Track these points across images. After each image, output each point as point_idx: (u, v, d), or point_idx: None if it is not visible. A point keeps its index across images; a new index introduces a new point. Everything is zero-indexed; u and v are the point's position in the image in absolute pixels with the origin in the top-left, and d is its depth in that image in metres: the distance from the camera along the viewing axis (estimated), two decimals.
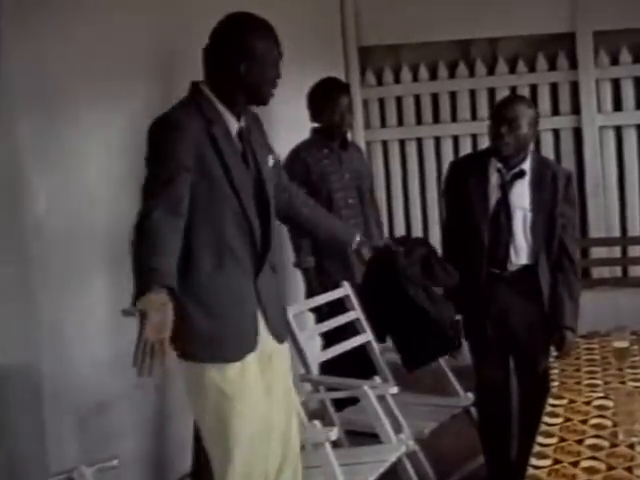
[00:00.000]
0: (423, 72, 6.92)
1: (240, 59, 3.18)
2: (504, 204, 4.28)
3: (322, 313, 4.98)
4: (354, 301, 4.89)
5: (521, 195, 4.30)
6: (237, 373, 3.20)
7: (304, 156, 5.17)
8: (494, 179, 4.30)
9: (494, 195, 4.30)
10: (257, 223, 3.26)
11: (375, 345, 4.86)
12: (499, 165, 4.28)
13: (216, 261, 3.18)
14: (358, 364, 4.90)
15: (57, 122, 4.02)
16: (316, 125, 5.32)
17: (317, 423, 3.93)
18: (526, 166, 4.30)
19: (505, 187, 4.28)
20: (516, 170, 4.29)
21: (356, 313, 4.87)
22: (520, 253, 4.30)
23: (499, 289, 4.32)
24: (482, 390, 4.53)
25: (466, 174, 4.40)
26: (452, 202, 4.54)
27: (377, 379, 4.48)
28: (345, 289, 4.93)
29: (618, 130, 6.61)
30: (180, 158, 3.07)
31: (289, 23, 5.65)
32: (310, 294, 5.22)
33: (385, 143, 7.08)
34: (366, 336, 4.87)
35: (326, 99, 5.22)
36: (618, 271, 6.73)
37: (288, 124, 5.40)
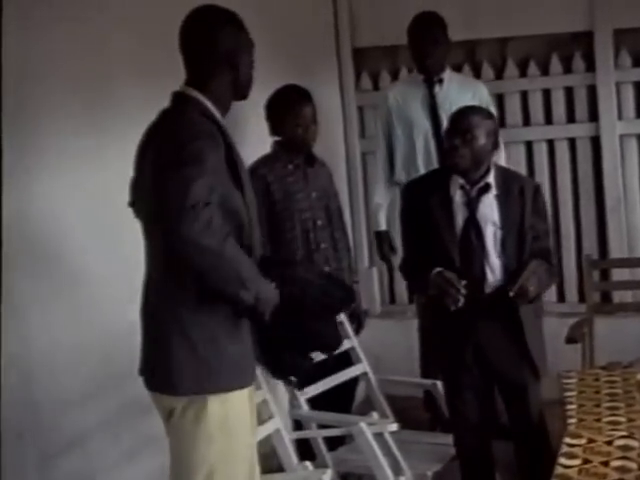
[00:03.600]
0: None
1: (234, 52, 3.27)
2: (473, 222, 4.29)
3: None
4: (349, 329, 4.84)
5: (489, 209, 4.31)
6: (242, 404, 3.20)
7: (263, 173, 4.90)
8: (458, 197, 4.31)
9: (460, 213, 4.31)
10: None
11: (372, 377, 4.84)
12: (461, 181, 4.29)
13: None
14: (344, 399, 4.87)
15: (27, 124, 4.00)
16: (277, 139, 5.17)
17: (308, 464, 3.90)
18: (490, 179, 4.32)
19: (472, 204, 4.29)
20: (481, 184, 4.30)
21: (351, 342, 4.83)
22: (496, 272, 4.29)
23: (477, 315, 4.26)
24: (458, 430, 4.49)
25: (426, 194, 4.39)
26: (411, 227, 4.49)
27: (374, 415, 4.45)
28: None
29: None
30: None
31: (278, 23, 5.67)
32: None
33: None
34: (362, 367, 4.83)
35: (287, 109, 5.06)
36: None
37: None
